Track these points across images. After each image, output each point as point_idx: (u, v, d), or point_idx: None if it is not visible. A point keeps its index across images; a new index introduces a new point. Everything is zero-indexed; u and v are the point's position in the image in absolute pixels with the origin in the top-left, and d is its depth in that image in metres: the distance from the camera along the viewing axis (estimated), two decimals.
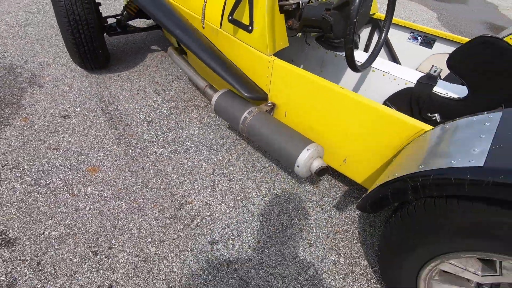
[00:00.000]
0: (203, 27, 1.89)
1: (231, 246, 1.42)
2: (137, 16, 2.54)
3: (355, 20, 1.24)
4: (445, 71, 1.90)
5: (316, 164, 1.35)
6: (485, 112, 1.01)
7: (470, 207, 0.85)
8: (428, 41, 2.12)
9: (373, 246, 1.51)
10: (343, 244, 1.50)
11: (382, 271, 1.23)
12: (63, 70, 2.46)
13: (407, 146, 1.21)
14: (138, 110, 2.17)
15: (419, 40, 2.14)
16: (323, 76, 2.03)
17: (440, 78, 1.70)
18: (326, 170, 1.36)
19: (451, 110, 1.58)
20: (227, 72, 1.67)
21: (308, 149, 1.35)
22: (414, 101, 1.68)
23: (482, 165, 0.77)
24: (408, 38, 2.15)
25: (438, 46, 2.08)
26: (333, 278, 1.35)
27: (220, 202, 1.62)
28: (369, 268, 1.41)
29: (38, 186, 1.58)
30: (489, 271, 0.95)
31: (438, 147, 1.00)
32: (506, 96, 1.43)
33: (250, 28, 1.58)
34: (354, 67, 1.42)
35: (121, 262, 1.32)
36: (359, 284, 1.34)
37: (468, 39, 1.72)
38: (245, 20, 1.61)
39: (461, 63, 1.49)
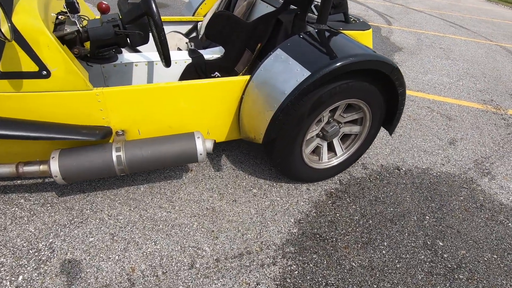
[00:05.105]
0: None
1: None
2: None
3: (163, 26, 1.47)
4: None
5: (209, 144, 1.63)
6: (271, 53, 1.70)
7: (307, 99, 1.57)
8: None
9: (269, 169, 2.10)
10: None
11: (286, 169, 1.85)
12: None
13: (244, 95, 1.75)
14: None
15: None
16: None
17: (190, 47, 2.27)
18: (215, 144, 1.67)
19: (221, 65, 2.23)
20: (50, 130, 1.36)
21: (198, 137, 1.58)
22: (199, 70, 2.18)
23: (310, 73, 1.47)
24: None
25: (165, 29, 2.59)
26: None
27: (153, 242, 1.54)
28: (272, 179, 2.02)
29: None
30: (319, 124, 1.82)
31: (274, 83, 1.60)
32: (240, 42, 2.24)
33: (45, 72, 1.34)
34: (169, 62, 1.66)
35: None
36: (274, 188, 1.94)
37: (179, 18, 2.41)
38: (28, 67, 1.32)
39: (213, 33, 2.10)
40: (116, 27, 1.52)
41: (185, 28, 2.78)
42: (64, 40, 1.46)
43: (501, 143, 2.76)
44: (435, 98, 3.47)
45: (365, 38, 1.96)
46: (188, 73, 2.15)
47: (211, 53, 2.21)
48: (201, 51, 2.21)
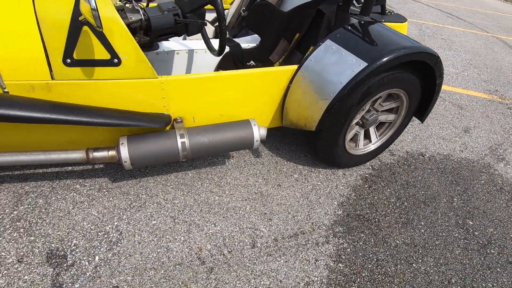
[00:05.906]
0: (5, 91, 1.30)
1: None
2: None
3: (225, 15, 1.51)
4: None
5: (263, 131, 1.70)
6: (320, 43, 1.77)
7: (358, 91, 1.65)
8: None
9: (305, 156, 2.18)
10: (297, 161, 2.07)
11: (329, 156, 1.95)
12: None
13: (292, 84, 1.81)
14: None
15: None
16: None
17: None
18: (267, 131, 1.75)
19: (257, 54, 2.28)
20: (121, 117, 1.40)
21: (254, 124, 1.65)
22: (236, 59, 2.22)
23: (367, 64, 1.55)
24: None
25: None
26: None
27: (213, 224, 1.63)
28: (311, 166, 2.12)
29: None
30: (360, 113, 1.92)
31: (327, 73, 1.66)
32: (276, 32, 2.28)
33: (116, 60, 1.38)
34: (223, 51, 1.70)
35: None
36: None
37: None
38: (100, 55, 1.36)
39: (252, 22, 2.15)
40: (176, 16, 1.55)
41: (210, 16, 2.79)
42: (128, 28, 1.48)
43: (510, 131, 2.94)
44: (445, 88, 3.62)
45: (401, 31, 2.05)
46: (226, 62, 2.19)
47: (246, 42, 2.25)
48: (236, 40, 2.25)
